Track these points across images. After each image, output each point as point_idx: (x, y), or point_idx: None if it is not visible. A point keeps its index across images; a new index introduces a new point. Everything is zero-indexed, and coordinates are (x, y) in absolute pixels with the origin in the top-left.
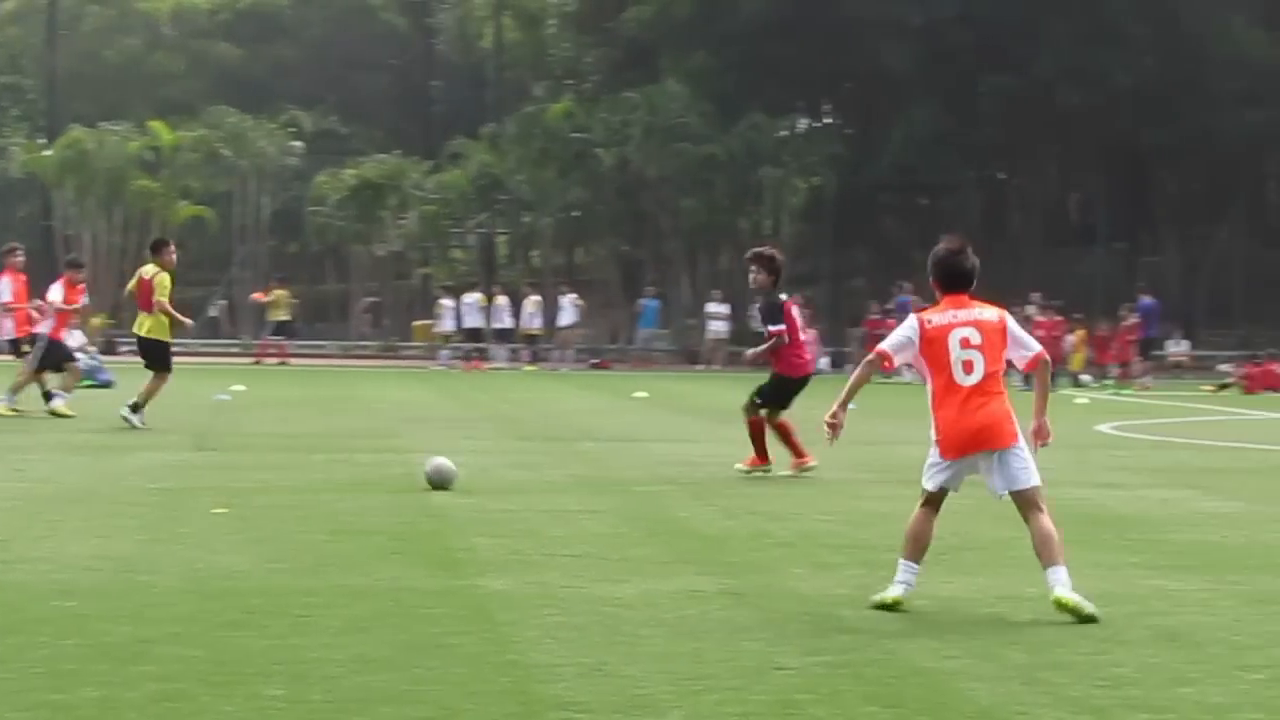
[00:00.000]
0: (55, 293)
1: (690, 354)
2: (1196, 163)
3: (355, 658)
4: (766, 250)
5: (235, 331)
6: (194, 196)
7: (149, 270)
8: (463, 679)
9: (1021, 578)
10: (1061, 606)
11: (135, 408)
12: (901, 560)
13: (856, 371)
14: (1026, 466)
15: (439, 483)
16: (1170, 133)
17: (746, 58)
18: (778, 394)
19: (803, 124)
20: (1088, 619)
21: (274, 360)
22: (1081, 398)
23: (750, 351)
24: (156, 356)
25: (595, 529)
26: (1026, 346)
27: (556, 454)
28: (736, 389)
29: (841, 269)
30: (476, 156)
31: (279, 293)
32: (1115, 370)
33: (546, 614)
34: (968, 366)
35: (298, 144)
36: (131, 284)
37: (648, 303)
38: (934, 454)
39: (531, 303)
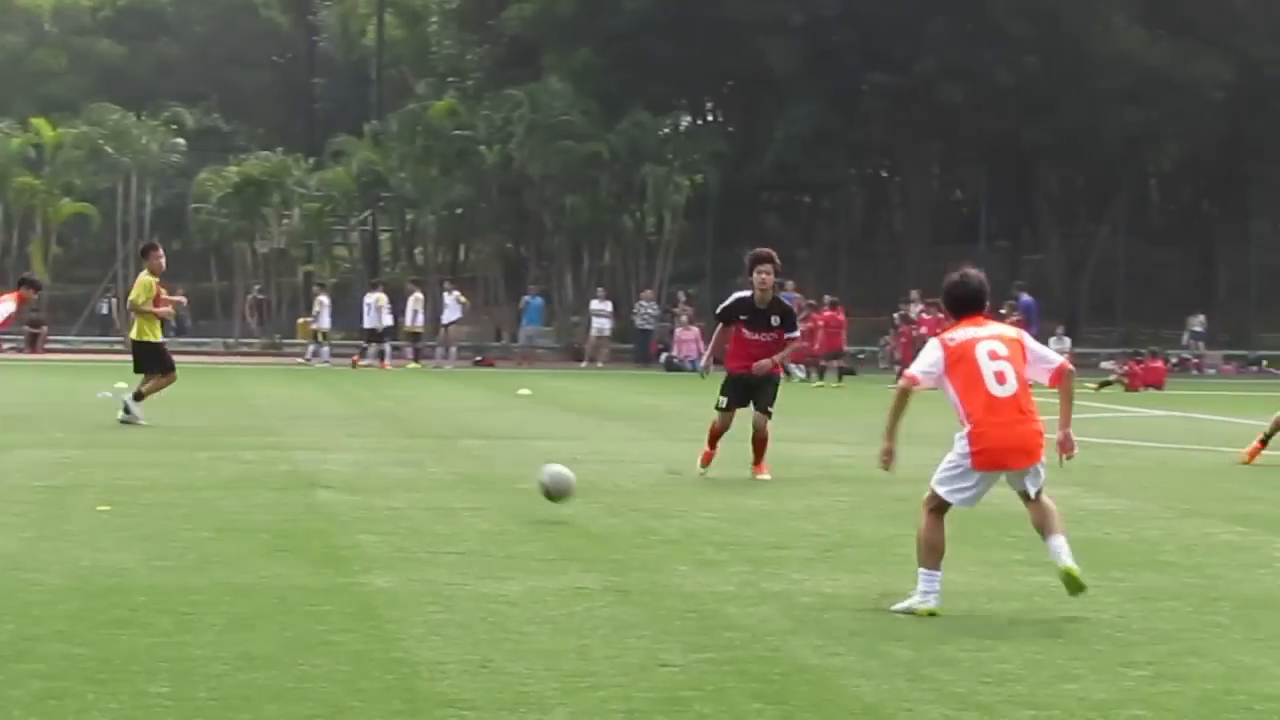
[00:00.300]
0: (7, 307)
1: (574, 351)
2: (1078, 161)
3: (240, 655)
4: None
5: (123, 329)
6: (76, 194)
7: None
8: (348, 676)
9: (906, 575)
10: (1069, 577)
11: (130, 402)
12: (923, 571)
13: (892, 404)
14: (1041, 475)
15: (558, 492)
16: (1052, 131)
17: (629, 55)
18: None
19: (686, 122)
20: (1079, 588)
21: None
22: None
23: (770, 360)
24: (148, 357)
25: (480, 526)
26: (1047, 360)
27: (440, 451)
28: (620, 386)
29: (723, 267)
30: (359, 154)
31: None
32: None
33: (432, 611)
34: (1000, 377)
35: (180, 141)
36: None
37: (531, 300)
38: (960, 464)
39: (415, 300)
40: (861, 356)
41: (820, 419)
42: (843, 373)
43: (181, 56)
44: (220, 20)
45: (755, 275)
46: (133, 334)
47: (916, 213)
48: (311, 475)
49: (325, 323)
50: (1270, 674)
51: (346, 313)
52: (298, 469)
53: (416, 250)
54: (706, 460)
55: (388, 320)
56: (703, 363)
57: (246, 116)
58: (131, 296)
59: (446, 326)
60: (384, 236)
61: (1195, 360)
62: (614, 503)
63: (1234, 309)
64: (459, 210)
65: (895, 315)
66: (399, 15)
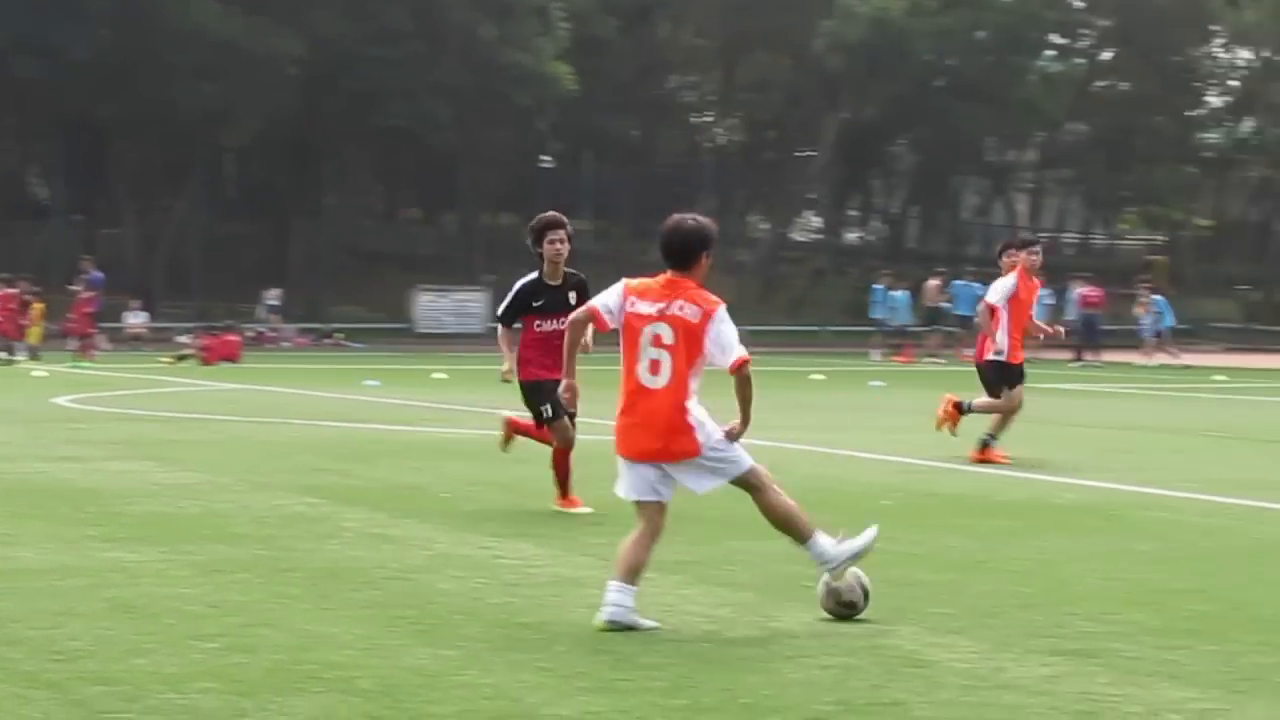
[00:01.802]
0: None
1: None
2: (155, 135)
3: None
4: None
5: None
6: None
7: None
8: None
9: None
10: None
11: None
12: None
13: (566, 336)
14: (694, 479)
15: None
16: (129, 105)
17: None
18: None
19: None
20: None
21: None
22: (40, 370)
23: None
24: None
25: None
26: (727, 351)
27: None
28: None
29: None
30: None
31: None
32: (74, 344)
33: None
34: (654, 367)
35: None
36: None
37: None
38: None
39: None
40: None
41: None
42: None
43: None
44: None
45: (546, 246)
46: None
47: None
48: None
49: None
50: (339, 641)
51: None
52: None
53: None
54: (575, 504)
55: None
56: (504, 370)
57: None
58: None
59: None
60: None
61: (271, 334)
62: None
63: (307, 283)
64: None
65: None
66: None
